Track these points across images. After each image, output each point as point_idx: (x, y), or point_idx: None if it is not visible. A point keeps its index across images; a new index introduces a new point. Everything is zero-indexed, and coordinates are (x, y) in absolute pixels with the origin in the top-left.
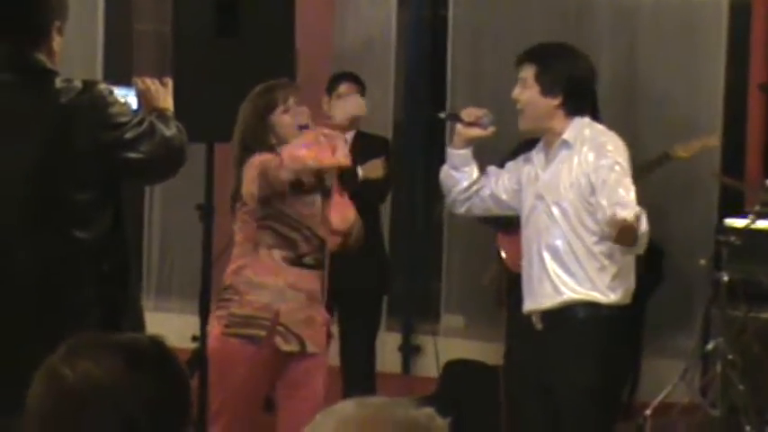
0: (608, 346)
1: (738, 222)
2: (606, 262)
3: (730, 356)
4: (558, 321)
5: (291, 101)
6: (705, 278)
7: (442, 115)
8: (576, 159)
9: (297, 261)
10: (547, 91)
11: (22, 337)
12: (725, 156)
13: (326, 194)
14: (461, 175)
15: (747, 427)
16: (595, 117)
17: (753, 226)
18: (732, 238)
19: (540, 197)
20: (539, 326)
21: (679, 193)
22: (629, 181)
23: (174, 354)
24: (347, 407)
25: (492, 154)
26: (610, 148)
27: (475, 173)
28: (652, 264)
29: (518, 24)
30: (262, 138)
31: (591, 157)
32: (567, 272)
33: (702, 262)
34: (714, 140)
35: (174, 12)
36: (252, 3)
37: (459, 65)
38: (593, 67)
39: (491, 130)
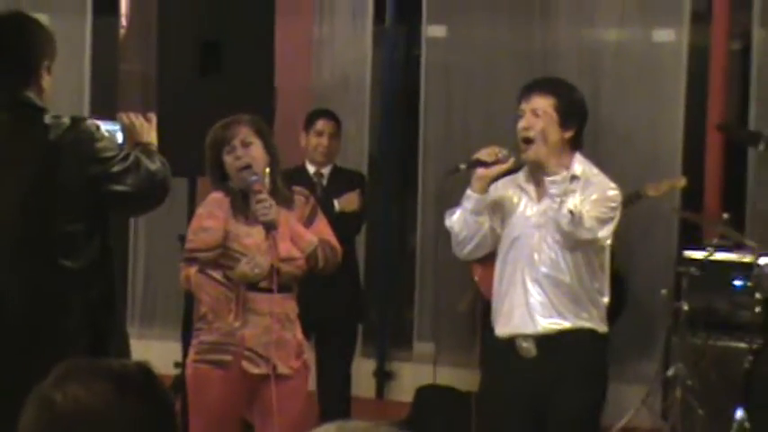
0: (603, 371)
1: (697, 254)
2: (598, 296)
3: (690, 382)
4: (558, 347)
5: (237, 141)
6: (666, 307)
7: (463, 166)
8: (578, 196)
9: (252, 286)
10: (564, 122)
11: (14, 364)
12: (685, 191)
13: (270, 227)
14: (484, 219)
15: None
16: None
17: (711, 257)
18: (691, 269)
19: (538, 226)
20: (532, 352)
21: (641, 226)
22: (606, 216)
23: (159, 379)
24: (329, 430)
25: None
26: (610, 194)
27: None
28: (616, 293)
29: (487, 64)
30: (213, 171)
31: (594, 196)
32: (572, 300)
33: (663, 292)
34: (681, 182)
35: (158, 52)
36: (234, 43)
37: (431, 103)
38: None
39: (512, 160)
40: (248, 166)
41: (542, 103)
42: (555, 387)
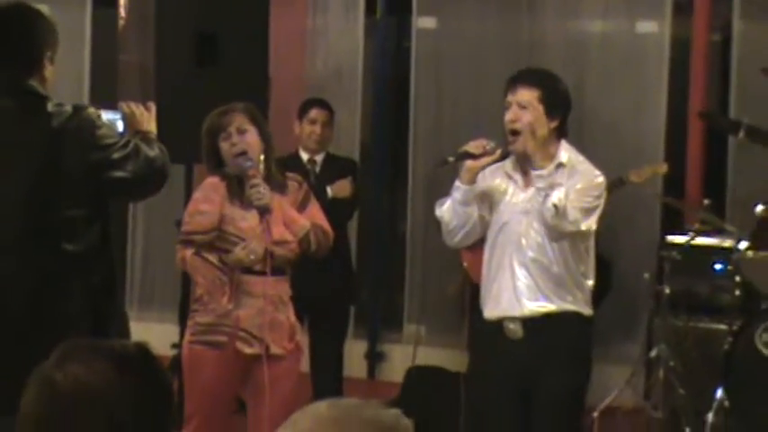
0: (587, 353)
1: (679, 239)
2: (583, 279)
3: (672, 363)
4: (544, 329)
5: (232, 128)
6: (649, 290)
7: (452, 159)
8: (563, 188)
9: (247, 269)
10: (550, 113)
11: (18, 345)
12: (667, 178)
13: (264, 210)
14: (473, 209)
15: (687, 429)
16: None
17: (692, 242)
18: (673, 254)
19: (525, 212)
20: (519, 333)
21: (625, 211)
22: (590, 206)
23: (158, 359)
24: (321, 407)
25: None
26: (596, 182)
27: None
28: (601, 276)
29: (475, 55)
30: (209, 157)
31: (579, 185)
32: (558, 283)
33: (646, 275)
34: (663, 167)
35: (156, 43)
36: (229, 35)
37: (421, 93)
38: None
39: (498, 152)
40: (244, 153)
41: (528, 96)
42: (540, 369)
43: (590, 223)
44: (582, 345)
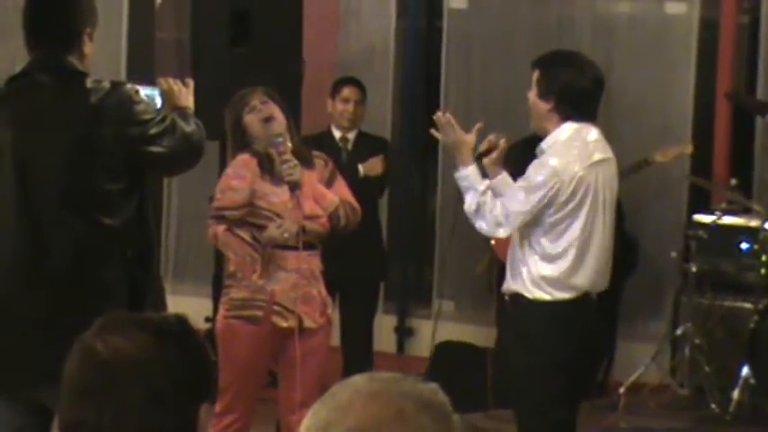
0: (532, 336)
1: (706, 218)
2: (535, 263)
3: (697, 341)
4: (507, 309)
5: (256, 102)
6: (675, 269)
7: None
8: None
9: (279, 244)
10: (542, 94)
11: (57, 312)
12: (694, 158)
13: (295, 186)
14: None
15: (712, 405)
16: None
17: (719, 222)
18: (700, 233)
19: None
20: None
21: (653, 191)
22: (524, 194)
23: (196, 331)
24: (360, 380)
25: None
26: (552, 162)
27: None
28: (627, 255)
29: (505, 36)
30: (235, 138)
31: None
32: (511, 264)
33: (673, 254)
34: (688, 148)
35: (192, 21)
36: (264, 14)
37: (452, 72)
38: (599, 78)
39: (503, 142)
40: (271, 117)
41: (533, 76)
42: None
43: (509, 227)
44: (530, 327)
